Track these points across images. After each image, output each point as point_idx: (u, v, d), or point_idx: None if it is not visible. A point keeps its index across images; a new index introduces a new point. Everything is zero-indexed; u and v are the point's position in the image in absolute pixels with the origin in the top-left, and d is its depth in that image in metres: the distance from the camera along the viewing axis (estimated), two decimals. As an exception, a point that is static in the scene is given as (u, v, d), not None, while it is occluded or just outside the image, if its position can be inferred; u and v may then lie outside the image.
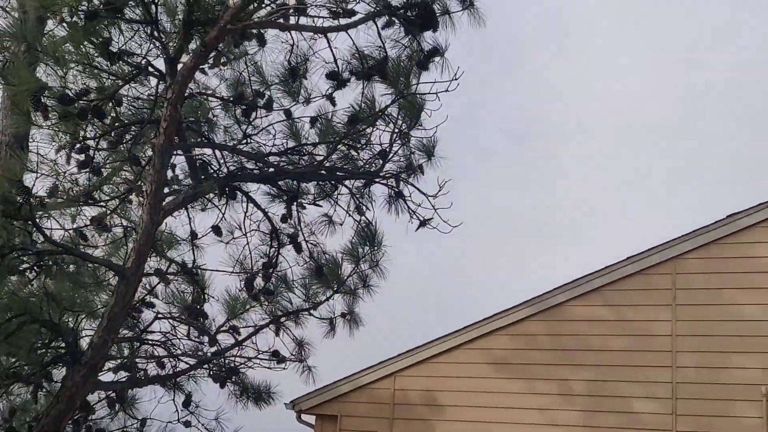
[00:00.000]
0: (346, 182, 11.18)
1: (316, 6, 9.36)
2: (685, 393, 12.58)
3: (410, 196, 10.91)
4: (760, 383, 12.15)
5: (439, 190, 10.48)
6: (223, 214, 11.25)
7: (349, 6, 9.45)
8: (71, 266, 10.84)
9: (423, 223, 10.74)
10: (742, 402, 12.21)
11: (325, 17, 9.51)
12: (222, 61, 10.49)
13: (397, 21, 9.66)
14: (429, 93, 10.01)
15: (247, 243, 11.41)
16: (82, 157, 10.11)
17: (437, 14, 9.76)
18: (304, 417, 14.92)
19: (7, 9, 10.69)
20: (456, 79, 9.62)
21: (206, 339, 11.42)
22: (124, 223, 11.04)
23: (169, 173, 10.63)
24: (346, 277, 11.67)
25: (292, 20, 9.60)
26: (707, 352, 12.60)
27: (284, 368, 11.67)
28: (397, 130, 10.72)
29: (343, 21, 9.52)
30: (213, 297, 11.45)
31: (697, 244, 12.95)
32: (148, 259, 10.14)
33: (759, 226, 12.63)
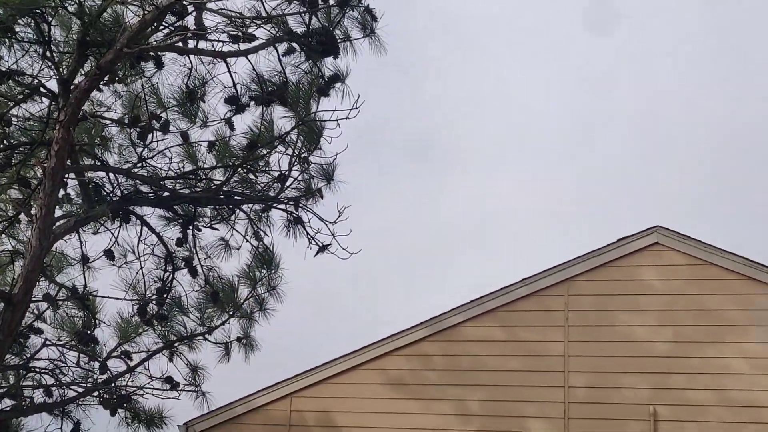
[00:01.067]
0: (244, 206, 11.07)
1: (216, 31, 9.24)
2: (577, 413, 12.79)
3: (309, 222, 10.89)
4: (649, 403, 12.47)
5: (339, 216, 10.50)
6: (116, 237, 11.03)
7: (250, 31, 9.37)
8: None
9: (322, 248, 10.72)
10: (631, 421, 12.50)
11: (225, 41, 9.42)
12: (117, 78, 10.26)
13: (298, 47, 9.63)
14: (329, 120, 10.01)
15: (141, 267, 11.20)
16: (-33, 177, 9.78)
17: (338, 41, 9.77)
18: (197, 439, 14.66)
19: None
20: (357, 108, 9.64)
21: (97, 365, 11.12)
22: (11, 246, 10.69)
23: (61, 192, 10.34)
24: (242, 301, 11.57)
25: (191, 44, 9.47)
26: (598, 373, 12.85)
27: (178, 395, 11.47)
28: (296, 155, 10.66)
29: (243, 46, 9.46)
30: (104, 322, 11.19)
31: (588, 267, 13.21)
32: (37, 283, 9.82)
33: (647, 250, 12.99)
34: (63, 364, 11.18)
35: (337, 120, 9.97)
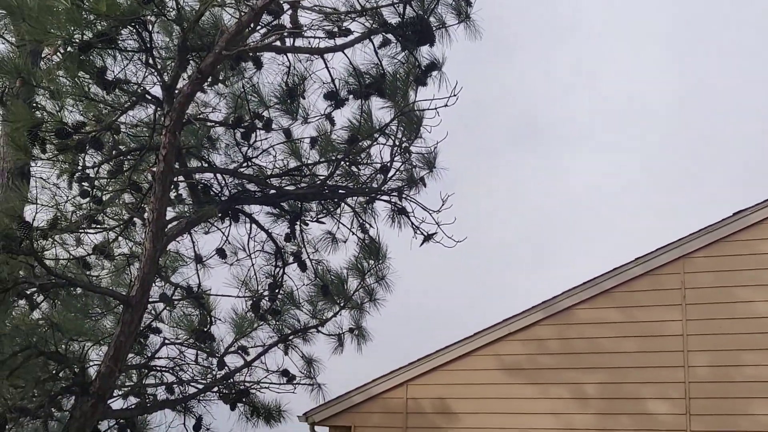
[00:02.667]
0: (349, 200, 11.20)
1: (311, 27, 9.35)
2: (698, 392, 12.56)
3: (413, 212, 10.95)
4: (774, 381, 12.15)
5: (442, 205, 10.53)
6: (227, 236, 11.31)
7: (345, 25, 9.45)
8: (76, 293, 10.89)
9: (427, 238, 10.76)
10: (756, 399, 12.19)
11: (321, 38, 9.53)
12: (219, 80, 10.51)
13: (393, 38, 9.67)
14: (428, 109, 10.02)
15: (252, 264, 11.47)
16: (83, 185, 10.15)
17: (433, 28, 9.76)
18: (317, 429, 14.95)
19: (5, 36, 10.70)
20: (455, 95, 9.62)
21: (215, 362, 11.43)
22: (127, 249, 11.08)
23: (172, 194, 10.66)
24: (352, 293, 11.71)
25: (288, 42, 9.61)
26: (719, 351, 12.57)
27: (294, 388, 11.70)
28: (397, 145, 10.72)
29: (339, 41, 9.54)
30: (219, 319, 11.48)
31: (704, 243, 12.91)
32: (153, 284, 10.16)
33: (766, 222, 12.60)
34: (182, 362, 11.53)
35: (436, 108, 9.97)
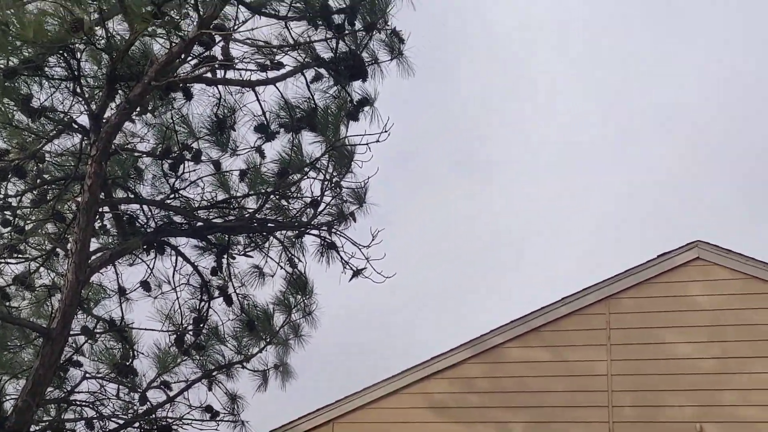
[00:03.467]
0: (278, 233, 11.17)
1: (243, 60, 9.38)
2: (622, 432, 12.70)
3: (343, 246, 10.97)
4: (695, 420, 12.34)
5: (372, 240, 10.55)
6: (152, 268, 11.17)
7: (277, 59, 9.49)
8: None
9: (356, 273, 10.79)
10: (679, 440, 12.38)
11: (253, 70, 9.56)
12: (147, 110, 10.44)
13: (325, 72, 9.74)
14: (360, 144, 10.08)
15: (177, 297, 11.34)
16: (4, 213, 9.98)
17: (366, 64, 9.86)
18: (241, 467, 14.74)
19: None
20: (386, 131, 9.72)
21: (137, 397, 11.25)
22: (49, 280, 10.88)
23: (97, 224, 10.51)
24: (278, 328, 11.64)
25: (219, 74, 9.61)
26: (643, 392, 12.73)
27: (217, 425, 11.55)
28: (328, 180, 10.76)
29: (271, 74, 9.60)
30: (142, 353, 11.31)
31: (629, 284, 13.11)
32: (75, 317, 9.98)
33: (689, 265, 12.86)
34: (103, 397, 11.31)
35: (367, 144, 10.05)
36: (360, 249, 10.67)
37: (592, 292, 13.24)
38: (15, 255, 10.44)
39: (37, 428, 10.87)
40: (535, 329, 13.50)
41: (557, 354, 13.34)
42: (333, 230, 10.98)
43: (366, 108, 10.09)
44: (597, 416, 12.81)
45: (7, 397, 10.17)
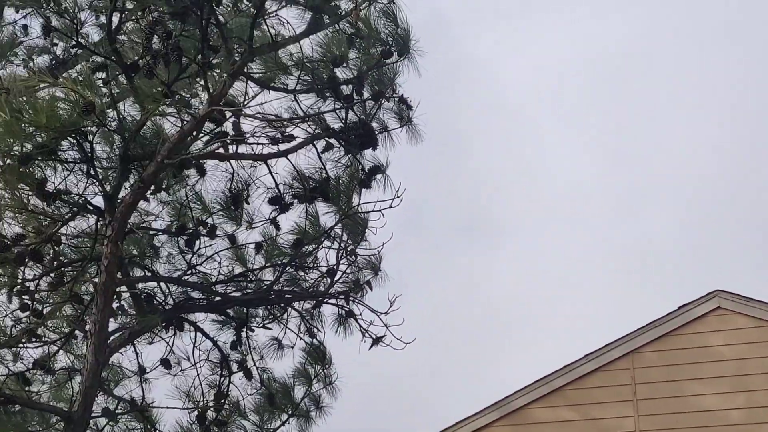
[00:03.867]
0: (295, 304, 11.16)
1: (254, 134, 9.46)
2: (655, 489, 12.51)
3: (361, 314, 10.93)
4: (728, 473, 12.16)
5: (390, 307, 10.52)
6: (171, 346, 11.13)
7: (288, 131, 9.57)
8: (14, 410, 10.61)
9: (376, 341, 10.73)
10: (712, 494, 12.18)
11: (264, 144, 9.63)
12: (161, 188, 10.51)
13: (336, 142, 9.83)
14: (373, 211, 10.12)
15: (198, 374, 11.28)
16: (22, 298, 9.99)
17: (376, 132, 9.95)
18: None
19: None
20: (399, 197, 9.75)
21: (161, 478, 11.16)
22: (69, 362, 10.87)
23: (114, 304, 10.52)
24: (299, 401, 11.57)
25: (231, 149, 9.70)
26: (672, 446, 12.59)
27: (244, 503, 11.43)
28: (343, 249, 10.77)
29: (282, 146, 9.66)
30: (162, 432, 11.22)
31: (652, 337, 13.02)
32: (96, 399, 9.94)
33: (710, 315, 12.78)
34: (128, 479, 11.23)
35: (380, 210, 10.11)
36: (378, 316, 10.63)
37: (616, 347, 13.13)
38: (33, 339, 10.43)
39: None
40: (560, 388, 13.38)
41: (584, 413, 13.20)
42: (350, 299, 10.95)
43: (378, 176, 10.15)
44: (629, 473, 12.64)
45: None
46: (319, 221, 10.72)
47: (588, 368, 13.28)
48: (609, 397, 13.06)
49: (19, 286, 9.83)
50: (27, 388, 10.58)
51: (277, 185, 10.17)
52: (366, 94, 9.79)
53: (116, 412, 11.02)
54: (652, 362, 12.95)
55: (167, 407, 11.09)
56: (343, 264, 10.86)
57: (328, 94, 9.70)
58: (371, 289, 10.96)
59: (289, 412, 11.65)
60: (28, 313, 9.98)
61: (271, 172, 10.02)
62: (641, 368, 12.93)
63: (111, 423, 11.11)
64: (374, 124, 10.01)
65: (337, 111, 9.71)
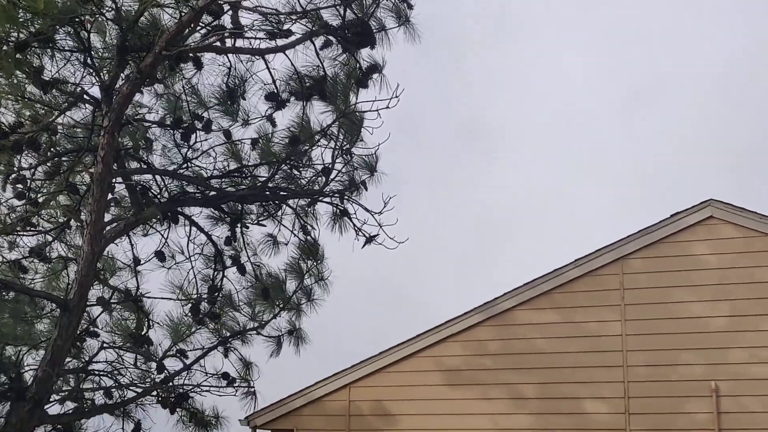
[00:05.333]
0: (290, 202, 11.22)
1: (252, 29, 9.38)
2: (636, 392, 12.79)
3: (355, 213, 11.00)
4: (709, 379, 12.43)
5: (384, 207, 10.59)
6: (166, 238, 11.27)
7: (286, 27, 9.49)
8: (8, 297, 10.76)
9: (369, 240, 10.82)
10: (692, 398, 12.47)
11: (262, 38, 9.55)
12: (157, 81, 10.45)
13: (334, 40, 9.74)
14: (369, 111, 10.09)
15: (192, 267, 11.41)
16: (18, 187, 10.03)
17: (374, 31, 9.85)
18: (259, 432, 14.92)
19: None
20: (396, 97, 9.70)
21: (154, 366, 11.37)
22: (64, 251, 10.97)
23: (109, 196, 10.57)
24: (291, 294, 11.73)
25: (229, 43, 9.62)
26: (656, 351, 12.82)
27: (235, 391, 11.68)
28: (338, 148, 10.78)
29: (280, 42, 9.59)
30: (157, 323, 11.40)
31: (642, 244, 13.17)
32: (91, 288, 10.07)
33: (701, 224, 12.90)
34: (121, 366, 11.44)
35: (377, 110, 10.05)
36: (372, 215, 10.72)
37: (605, 253, 13.30)
38: (29, 228, 10.50)
39: (57, 398, 11.01)
40: (547, 292, 13.59)
41: (570, 316, 13.43)
42: (345, 197, 11.01)
43: (375, 75, 10.08)
44: (611, 376, 12.92)
45: (27, 368, 10.30)
46: (315, 120, 10.70)
47: (576, 273, 13.46)
48: (596, 301, 13.27)
49: (15, 175, 9.87)
50: (22, 276, 10.69)
51: (274, 81, 10.10)
52: (365, -9, 9.68)
53: (111, 301, 11.17)
54: (641, 269, 13.13)
55: (162, 297, 11.28)
56: (338, 163, 10.91)
57: (327, -11, 9.58)
58: (366, 188, 11.04)
59: (281, 306, 11.82)
60: (23, 201, 10.04)
61: (268, 68, 9.95)
62: (630, 274, 13.11)
63: (106, 312, 11.28)
64: (372, 23, 9.89)
65: (336, 7, 9.60)
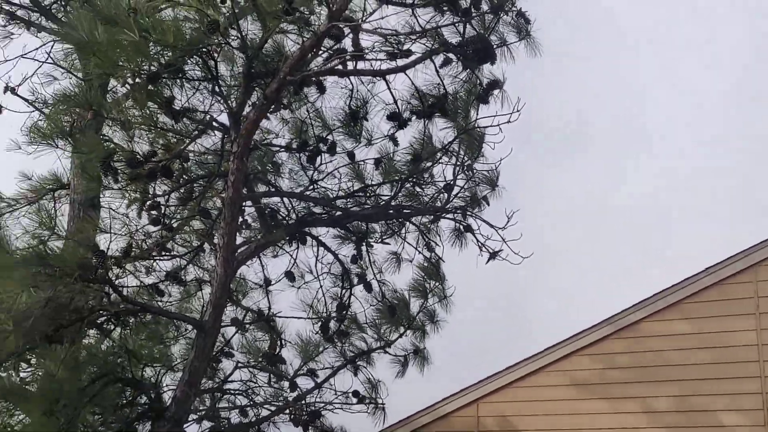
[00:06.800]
0: (413, 219, 11.25)
1: (373, 50, 9.46)
2: (775, 403, 12.36)
3: (478, 229, 10.96)
4: None
5: (507, 221, 10.51)
6: (295, 259, 11.46)
7: (406, 47, 9.53)
8: (146, 320, 11.05)
9: (492, 255, 10.78)
10: (837, 408, 11.97)
11: (383, 59, 9.61)
12: (283, 106, 10.63)
13: (454, 57, 9.74)
14: (491, 126, 10.07)
15: (320, 286, 11.57)
16: (153, 213, 10.31)
17: (494, 46, 9.82)
18: (386, 451, 14.93)
19: (71, 71, 10.94)
20: (517, 111, 9.65)
21: (286, 384, 11.52)
22: (198, 274, 11.24)
23: (239, 219, 10.79)
24: (415, 314, 11.76)
25: (350, 65, 9.71)
26: (796, 360, 12.37)
27: (366, 408, 11.74)
28: (460, 164, 10.78)
29: (400, 62, 9.63)
30: (288, 342, 11.58)
31: (775, 252, 12.72)
32: (225, 310, 10.27)
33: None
34: (255, 385, 11.64)
35: (498, 125, 10.00)
36: (496, 230, 10.65)
37: (736, 261, 12.89)
38: (164, 253, 10.79)
39: (195, 417, 11.26)
40: (677, 303, 13.25)
41: (700, 327, 13.05)
42: (468, 213, 10.99)
43: (495, 90, 10.04)
44: (747, 387, 12.48)
45: (165, 388, 10.56)
46: (436, 138, 10.77)
47: (706, 282, 13.07)
48: (729, 310, 12.86)
49: (150, 202, 10.15)
50: (159, 299, 10.98)
51: (395, 101, 10.17)
52: (484, 7, 9.65)
53: (244, 322, 11.38)
54: (775, 276, 12.67)
55: (292, 317, 11.44)
56: (460, 179, 10.89)
57: (445, 7, 9.58)
58: (488, 203, 11.00)
59: (406, 325, 11.86)
60: (159, 227, 10.32)
61: (389, 88, 10.01)
62: (765, 281, 12.66)
63: (240, 332, 11.50)
64: (492, 38, 9.86)
65: (455, 25, 9.60)
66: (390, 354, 12.15)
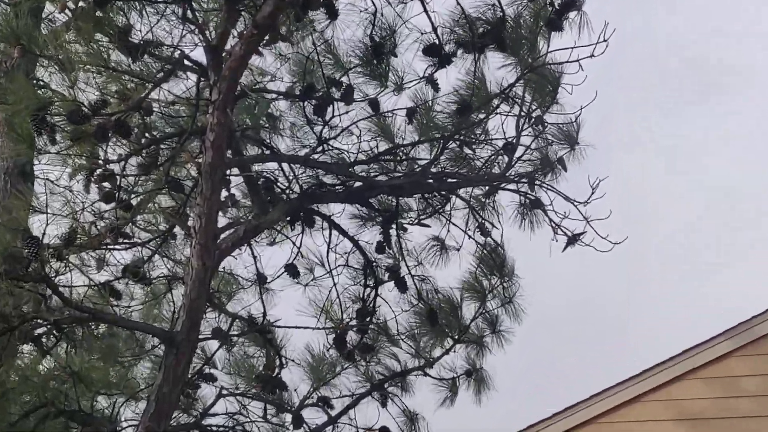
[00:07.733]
0: (461, 191, 11.15)
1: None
2: None
3: (551, 204, 10.84)
4: None
5: (592, 194, 10.39)
6: (299, 247, 11.36)
7: (449, -47, 9.46)
8: (100, 332, 11.05)
9: (572, 239, 10.65)
10: None
11: (417, -28, 9.55)
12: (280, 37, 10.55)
13: (517, -33, 9.65)
14: (567, 62, 9.95)
15: (335, 284, 11.48)
16: (105, 186, 10.25)
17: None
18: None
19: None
20: (605, 41, 9.54)
21: (288, 418, 11.52)
22: (167, 270, 11.21)
23: (223, 194, 10.74)
24: (468, 322, 11.68)
25: (373, -20, 9.66)
26: None
27: (399, 456, 11.74)
28: (525, 115, 10.67)
29: (441, -25, 9.54)
30: (292, 360, 11.53)
31: None
32: (204, 316, 10.24)
33: None
34: (245, 419, 11.61)
35: (578, 60, 9.88)
36: (575, 205, 10.52)
37: None
38: (121, 240, 10.72)
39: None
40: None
41: None
42: (536, 182, 10.87)
43: (572, 13, 9.92)
44: None
45: (125, 424, 10.57)
46: (491, 80, 10.64)
47: None
48: None
49: (100, 170, 10.07)
50: (116, 303, 10.95)
51: (434, 29, 10.02)
52: None
53: (230, 333, 11.34)
54: None
55: (296, 326, 11.38)
56: (526, 135, 10.77)
57: None
58: (565, 169, 10.86)
59: (456, 337, 11.77)
60: (113, 205, 10.25)
61: (426, 11, 9.88)
62: None
63: (225, 347, 11.47)
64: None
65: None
66: (432, 377, 12.09)
